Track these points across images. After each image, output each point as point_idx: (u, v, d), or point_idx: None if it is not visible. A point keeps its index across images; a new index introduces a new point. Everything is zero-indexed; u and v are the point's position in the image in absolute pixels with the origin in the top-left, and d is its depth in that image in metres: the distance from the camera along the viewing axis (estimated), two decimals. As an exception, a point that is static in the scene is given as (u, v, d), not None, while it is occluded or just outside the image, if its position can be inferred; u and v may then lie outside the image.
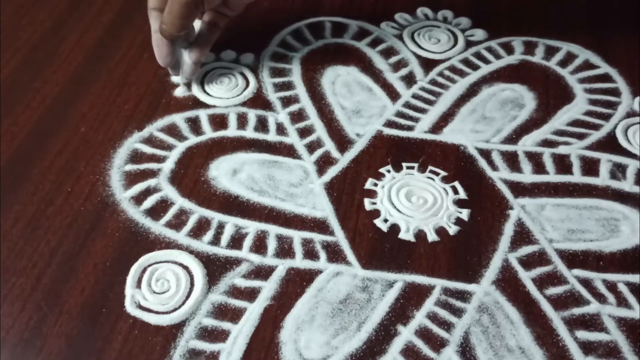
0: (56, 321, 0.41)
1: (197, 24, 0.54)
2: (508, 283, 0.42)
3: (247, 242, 0.45)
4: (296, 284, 0.43)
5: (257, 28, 0.62)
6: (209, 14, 0.54)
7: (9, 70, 0.58)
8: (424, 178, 0.49)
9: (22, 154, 0.51)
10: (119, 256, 0.44)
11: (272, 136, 0.52)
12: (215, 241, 0.45)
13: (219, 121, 0.53)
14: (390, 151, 0.51)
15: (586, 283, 0.42)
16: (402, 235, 0.45)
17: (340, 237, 0.45)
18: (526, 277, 0.43)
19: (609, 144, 0.51)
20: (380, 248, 0.44)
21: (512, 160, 0.50)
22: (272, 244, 0.45)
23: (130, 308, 0.41)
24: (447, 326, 0.40)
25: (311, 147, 0.51)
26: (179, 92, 0.55)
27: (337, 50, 0.59)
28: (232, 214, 0.47)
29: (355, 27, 0.62)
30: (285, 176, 0.49)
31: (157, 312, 0.41)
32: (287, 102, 0.55)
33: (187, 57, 0.53)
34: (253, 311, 0.41)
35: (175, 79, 0.56)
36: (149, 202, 0.47)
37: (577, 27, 0.61)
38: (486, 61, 0.58)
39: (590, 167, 0.49)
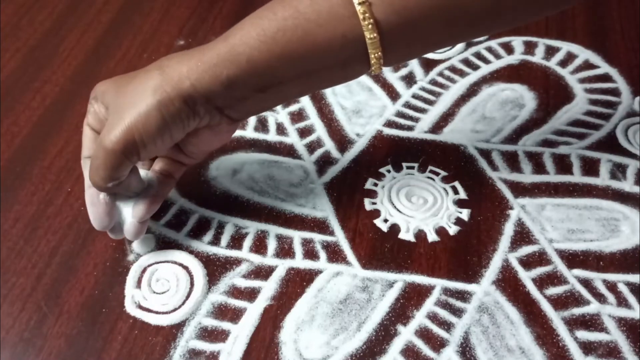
0: (56, 321, 0.41)
1: (145, 174, 0.43)
2: (508, 283, 0.42)
3: (247, 242, 0.45)
4: (296, 284, 0.43)
5: (257, 28, 0.62)
6: (161, 162, 0.44)
7: (9, 70, 0.58)
8: (424, 178, 0.49)
9: (22, 154, 0.51)
10: (119, 256, 0.44)
11: (272, 136, 0.52)
12: (215, 241, 0.45)
13: (219, 121, 0.53)
14: (390, 151, 0.51)
15: (586, 283, 0.42)
16: (402, 235, 0.45)
17: (340, 237, 0.45)
18: (526, 277, 0.43)
19: (609, 144, 0.51)
20: (380, 248, 0.44)
21: (512, 160, 0.50)
22: (272, 244, 0.45)
23: (130, 308, 0.41)
24: (447, 326, 0.40)
25: (311, 147, 0.51)
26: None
27: (337, 50, 0.59)
28: (232, 214, 0.47)
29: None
30: (285, 176, 0.49)
31: (157, 312, 0.41)
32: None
33: (130, 214, 0.42)
34: (253, 311, 0.41)
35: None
36: (149, 202, 0.47)
37: (577, 27, 0.61)
38: (486, 61, 0.58)
39: (590, 167, 0.49)
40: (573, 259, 0.44)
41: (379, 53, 0.36)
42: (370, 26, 0.35)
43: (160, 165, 0.44)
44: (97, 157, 0.38)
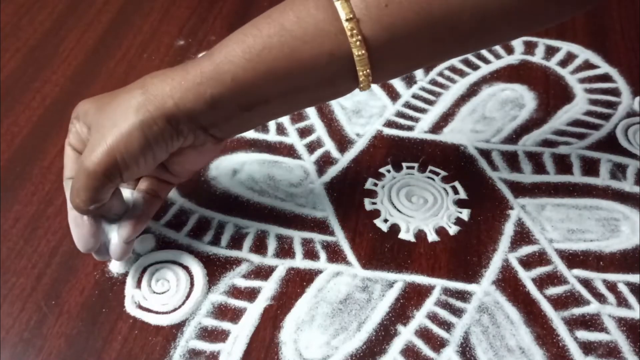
0: (56, 321, 0.41)
1: (131, 193, 0.42)
2: (508, 283, 0.42)
3: (247, 242, 0.45)
4: (296, 284, 0.43)
5: (257, 28, 0.62)
6: (146, 181, 0.42)
7: (9, 70, 0.58)
8: (424, 178, 0.49)
9: (22, 154, 0.51)
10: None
11: (272, 136, 0.52)
12: (215, 241, 0.45)
13: (219, 121, 0.53)
14: (390, 151, 0.51)
15: (586, 283, 0.42)
16: (402, 235, 0.45)
17: (340, 237, 0.45)
18: (526, 277, 0.43)
19: (609, 144, 0.51)
20: (380, 248, 0.44)
21: (512, 160, 0.50)
22: (272, 244, 0.45)
23: (130, 308, 0.41)
24: (447, 326, 0.40)
25: (311, 147, 0.51)
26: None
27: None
28: (232, 214, 0.47)
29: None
30: (285, 176, 0.49)
31: (157, 312, 0.41)
32: (287, 102, 0.55)
33: (116, 235, 0.41)
34: (253, 311, 0.41)
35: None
36: (149, 202, 0.47)
37: (577, 27, 0.61)
38: (486, 61, 0.58)
39: (590, 167, 0.49)
40: (573, 259, 0.44)
41: (368, 70, 0.35)
42: (358, 43, 0.34)
43: (145, 185, 0.42)
44: (78, 179, 0.37)
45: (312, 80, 0.36)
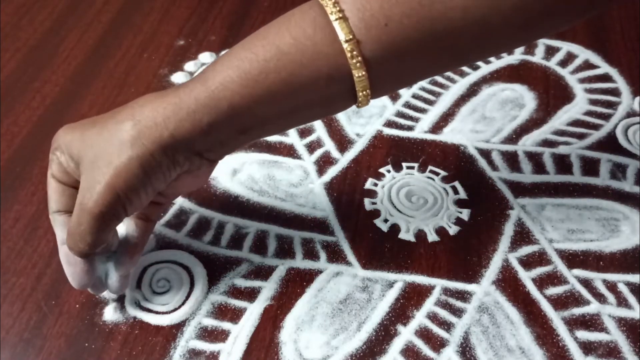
0: (56, 321, 0.41)
1: (122, 222, 0.39)
2: (508, 283, 0.42)
3: (247, 242, 0.45)
4: (296, 284, 0.43)
5: (257, 28, 0.62)
6: None
7: (9, 70, 0.58)
8: (424, 178, 0.49)
9: (22, 154, 0.51)
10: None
11: (272, 136, 0.52)
12: (215, 241, 0.45)
13: (219, 121, 0.53)
14: (390, 151, 0.51)
15: (586, 283, 0.42)
16: (402, 235, 0.45)
17: (340, 237, 0.45)
18: (526, 277, 0.43)
19: (609, 144, 0.51)
20: (380, 248, 0.44)
21: (512, 160, 0.50)
22: (272, 244, 0.45)
23: (130, 308, 0.41)
24: (447, 326, 0.40)
25: (311, 147, 0.51)
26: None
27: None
28: (232, 214, 0.47)
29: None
30: (285, 176, 0.49)
31: (157, 312, 0.41)
32: (287, 102, 0.55)
33: (113, 270, 0.39)
34: (253, 311, 0.41)
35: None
36: (149, 202, 0.47)
37: (577, 27, 0.61)
38: (486, 61, 0.58)
39: (590, 167, 0.49)
40: (573, 259, 0.44)
41: (367, 91, 0.35)
42: (358, 64, 0.33)
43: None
44: (80, 223, 0.35)
45: (309, 102, 0.35)
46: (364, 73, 0.34)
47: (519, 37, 0.37)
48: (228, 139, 0.36)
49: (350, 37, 0.33)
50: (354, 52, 0.33)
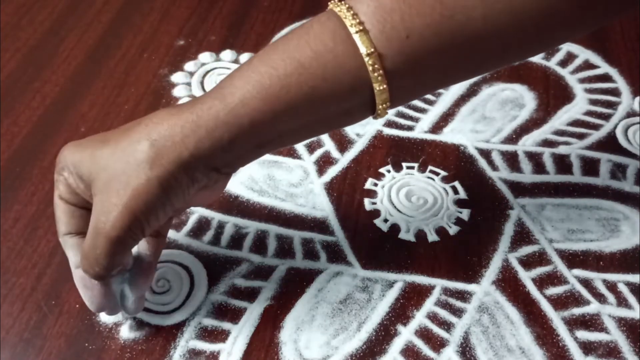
0: (56, 321, 0.41)
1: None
2: (508, 283, 0.42)
3: (247, 242, 0.45)
4: (296, 284, 0.43)
5: (257, 28, 0.62)
6: None
7: (9, 70, 0.58)
8: (424, 178, 0.49)
9: (22, 154, 0.51)
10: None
11: (272, 136, 0.52)
12: (215, 241, 0.45)
13: (219, 121, 0.53)
14: (390, 151, 0.51)
15: (586, 283, 0.42)
16: (402, 235, 0.45)
17: (340, 237, 0.45)
18: (526, 277, 0.43)
19: (609, 144, 0.51)
20: (380, 248, 0.44)
21: (512, 160, 0.50)
22: (272, 244, 0.45)
23: (130, 308, 0.41)
24: (447, 326, 0.40)
25: (311, 147, 0.51)
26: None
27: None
28: (232, 214, 0.47)
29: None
30: (285, 176, 0.49)
31: (157, 312, 0.41)
32: (287, 102, 0.55)
33: (129, 292, 0.39)
34: (253, 311, 0.41)
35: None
36: (149, 202, 0.47)
37: (577, 27, 0.61)
38: (486, 61, 0.58)
39: (590, 167, 0.49)
40: (573, 259, 0.44)
41: (388, 103, 0.34)
42: (380, 78, 0.33)
43: None
44: (96, 247, 0.34)
45: (329, 115, 0.35)
46: (385, 86, 0.33)
47: (536, 47, 0.37)
48: (247, 154, 0.36)
49: (372, 50, 0.32)
50: (376, 66, 0.32)
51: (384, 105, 0.34)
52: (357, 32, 0.32)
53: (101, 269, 0.35)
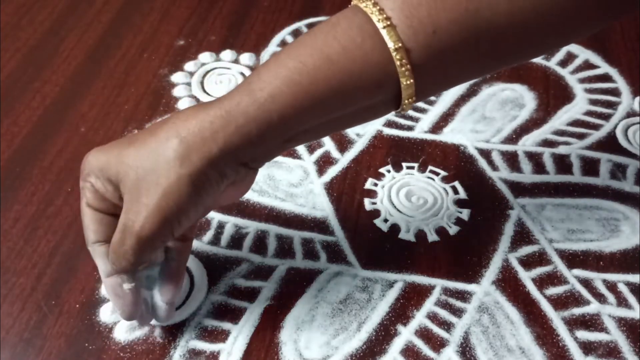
0: (56, 321, 0.41)
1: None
2: (508, 283, 0.42)
3: (247, 242, 0.45)
4: (296, 284, 0.43)
5: (257, 28, 0.62)
6: None
7: (9, 70, 0.58)
8: (424, 178, 0.49)
9: (22, 154, 0.51)
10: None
11: (272, 136, 0.52)
12: (215, 241, 0.45)
13: (219, 121, 0.53)
14: (390, 151, 0.51)
15: (586, 283, 0.42)
16: (402, 235, 0.45)
17: (340, 237, 0.45)
18: (526, 277, 0.43)
19: (609, 144, 0.51)
20: (380, 248, 0.44)
21: (512, 160, 0.50)
22: (272, 244, 0.45)
23: (130, 308, 0.41)
24: (447, 326, 0.40)
25: (311, 147, 0.51)
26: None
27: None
28: (232, 214, 0.47)
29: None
30: (285, 176, 0.49)
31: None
32: (287, 102, 0.55)
33: (159, 298, 0.38)
34: (253, 311, 0.41)
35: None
36: (149, 202, 0.47)
37: (577, 27, 0.61)
38: (486, 61, 0.58)
39: (590, 167, 0.49)
40: (573, 259, 0.44)
41: (413, 98, 0.34)
42: (407, 72, 0.33)
43: None
44: (124, 244, 0.34)
45: (356, 109, 0.35)
46: (412, 81, 0.33)
47: (558, 41, 0.38)
48: (274, 149, 0.36)
49: (399, 45, 0.33)
50: (403, 60, 0.33)
51: (409, 100, 0.34)
52: (384, 27, 0.33)
53: (128, 265, 0.35)
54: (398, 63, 0.33)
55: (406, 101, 0.34)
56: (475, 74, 0.39)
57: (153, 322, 0.40)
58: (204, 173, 0.34)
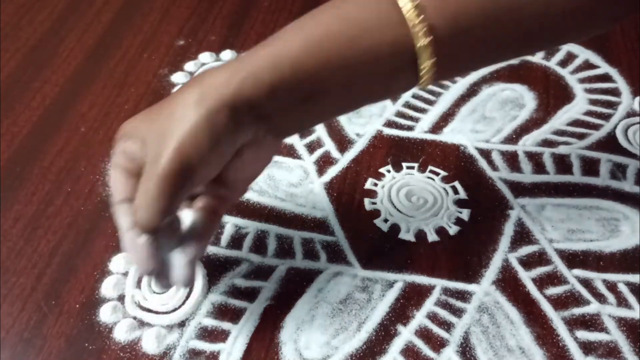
0: (56, 321, 0.41)
1: (189, 214, 0.39)
2: (508, 283, 0.42)
3: (247, 242, 0.45)
4: (296, 284, 0.43)
5: (257, 28, 0.62)
6: (203, 199, 0.39)
7: (9, 70, 0.58)
8: (424, 178, 0.49)
9: (22, 154, 0.51)
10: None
11: (272, 136, 0.52)
12: (215, 241, 0.45)
13: (219, 121, 0.53)
14: (390, 151, 0.51)
15: (586, 283, 0.42)
16: (402, 235, 0.45)
17: (340, 237, 0.45)
18: (526, 277, 0.43)
19: (609, 144, 0.51)
20: (380, 248, 0.44)
21: (512, 160, 0.50)
22: (272, 244, 0.45)
23: (130, 308, 0.41)
24: (447, 326, 0.40)
25: (311, 147, 0.51)
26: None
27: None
28: (232, 214, 0.47)
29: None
30: (285, 176, 0.49)
31: (157, 312, 0.41)
32: (287, 102, 0.55)
33: (180, 257, 0.37)
34: (253, 311, 0.41)
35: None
36: (149, 202, 0.47)
37: (577, 27, 0.61)
38: (486, 61, 0.58)
39: (590, 167, 0.49)
40: (573, 259, 0.44)
41: (428, 62, 0.34)
42: (420, 33, 0.33)
43: (202, 202, 0.39)
44: (147, 190, 0.34)
45: (372, 71, 0.35)
46: (426, 43, 0.33)
47: (582, 24, 0.38)
48: (290, 105, 0.36)
49: (415, 4, 0.33)
50: (417, 20, 0.33)
51: (426, 64, 0.34)
52: None
53: (153, 215, 0.35)
54: (411, 24, 0.33)
55: (422, 66, 0.34)
56: (500, 53, 0.39)
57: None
58: (219, 114, 0.34)
